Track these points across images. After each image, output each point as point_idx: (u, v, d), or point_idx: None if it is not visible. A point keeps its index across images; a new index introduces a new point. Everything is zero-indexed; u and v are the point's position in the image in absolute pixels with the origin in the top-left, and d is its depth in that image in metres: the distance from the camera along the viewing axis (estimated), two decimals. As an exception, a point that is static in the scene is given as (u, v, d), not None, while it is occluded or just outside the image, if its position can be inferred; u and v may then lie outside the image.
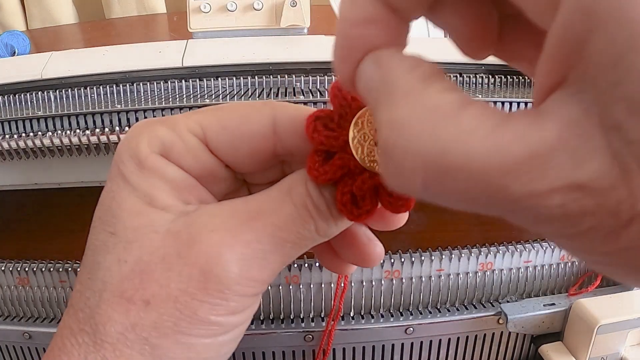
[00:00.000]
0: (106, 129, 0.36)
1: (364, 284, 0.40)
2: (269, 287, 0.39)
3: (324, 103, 0.40)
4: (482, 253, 0.42)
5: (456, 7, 0.14)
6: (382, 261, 0.40)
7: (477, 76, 0.48)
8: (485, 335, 0.42)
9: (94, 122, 0.37)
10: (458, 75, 0.48)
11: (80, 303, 0.18)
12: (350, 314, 0.41)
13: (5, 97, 0.44)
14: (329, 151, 0.19)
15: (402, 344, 0.41)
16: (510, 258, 0.43)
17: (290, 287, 0.40)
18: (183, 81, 0.46)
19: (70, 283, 0.40)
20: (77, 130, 0.36)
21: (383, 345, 0.41)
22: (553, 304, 0.41)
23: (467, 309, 0.42)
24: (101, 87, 0.45)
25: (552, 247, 0.44)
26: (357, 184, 0.18)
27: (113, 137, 0.36)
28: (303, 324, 0.40)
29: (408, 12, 0.14)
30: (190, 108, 0.37)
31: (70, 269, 0.40)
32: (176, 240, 0.18)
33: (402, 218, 0.21)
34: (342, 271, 0.24)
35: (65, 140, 0.36)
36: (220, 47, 0.47)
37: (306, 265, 0.39)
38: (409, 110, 0.12)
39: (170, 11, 0.91)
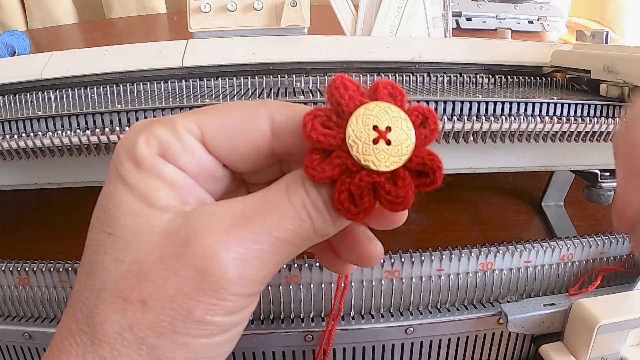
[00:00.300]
0: (106, 129, 0.36)
1: (364, 284, 0.40)
2: (269, 287, 0.39)
3: (324, 103, 0.40)
4: (482, 253, 0.42)
5: None
6: (382, 261, 0.40)
7: (477, 76, 0.48)
8: (485, 335, 0.42)
9: (94, 122, 0.37)
10: (458, 75, 0.48)
11: (78, 303, 0.18)
12: (350, 314, 0.41)
13: (5, 97, 0.44)
14: (327, 150, 0.19)
15: (402, 344, 0.41)
16: (510, 258, 0.43)
17: (290, 287, 0.40)
18: (183, 81, 0.46)
19: (70, 283, 0.40)
20: (77, 130, 0.36)
21: (383, 345, 0.41)
22: (553, 304, 0.41)
23: (467, 309, 0.41)
24: (101, 87, 0.45)
25: (552, 247, 0.44)
26: (355, 183, 0.18)
27: (113, 137, 0.36)
28: (303, 324, 0.40)
29: None
30: (190, 108, 0.36)
31: (70, 269, 0.40)
32: (173, 240, 0.18)
33: (402, 217, 0.21)
34: (342, 271, 0.24)
35: (65, 140, 0.36)
36: (220, 47, 0.47)
37: (306, 265, 0.39)
38: None
39: (170, 11, 0.91)
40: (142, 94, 0.44)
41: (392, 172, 0.18)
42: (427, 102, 0.38)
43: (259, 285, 0.19)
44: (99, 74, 0.45)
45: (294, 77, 0.46)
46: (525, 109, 0.40)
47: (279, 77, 0.46)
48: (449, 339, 0.41)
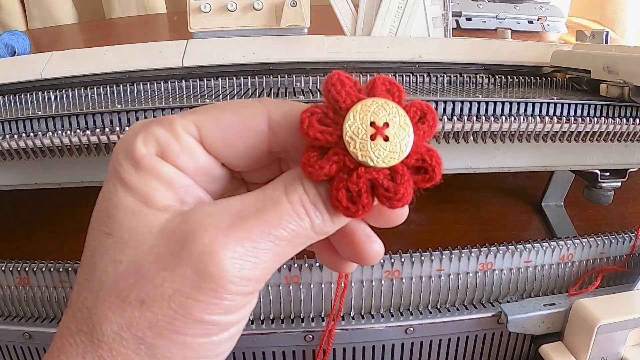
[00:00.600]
0: (106, 129, 0.36)
1: (364, 284, 0.40)
2: (269, 287, 0.39)
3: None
4: (482, 253, 0.42)
5: None
6: (382, 261, 0.40)
7: (477, 76, 0.48)
8: (485, 335, 0.42)
9: (94, 122, 0.37)
10: (458, 75, 0.48)
11: (77, 303, 0.18)
12: (350, 314, 0.41)
13: (5, 97, 0.44)
14: (324, 147, 0.18)
15: (402, 344, 0.41)
16: (510, 258, 0.43)
17: (290, 287, 0.40)
18: (183, 81, 0.46)
19: (70, 283, 0.40)
20: (77, 130, 0.36)
21: (383, 345, 0.41)
22: (553, 304, 0.41)
23: (467, 309, 0.41)
24: (101, 87, 0.45)
25: (552, 247, 0.44)
26: (352, 180, 0.18)
27: (113, 137, 0.36)
28: (303, 324, 0.40)
29: None
30: (190, 108, 0.36)
31: (70, 269, 0.40)
32: (170, 240, 0.18)
33: (403, 214, 0.21)
34: (342, 269, 0.24)
35: (65, 140, 0.36)
36: (220, 47, 0.47)
37: (306, 265, 0.39)
38: None
39: (170, 11, 0.91)
40: (142, 94, 0.44)
41: (390, 168, 0.18)
42: (427, 102, 0.38)
43: (258, 283, 0.19)
44: (99, 74, 0.45)
45: (294, 77, 0.46)
46: (525, 109, 0.40)
47: (279, 77, 0.46)
48: (449, 339, 0.41)
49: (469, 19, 0.78)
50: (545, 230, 0.59)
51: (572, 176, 0.58)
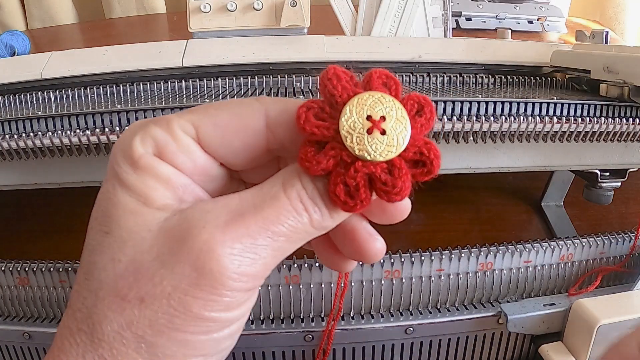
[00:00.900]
0: (106, 129, 0.36)
1: (364, 284, 0.40)
2: (269, 287, 0.39)
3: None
4: (482, 253, 0.42)
5: None
6: (382, 261, 0.40)
7: (477, 76, 0.48)
8: (485, 335, 0.42)
9: (94, 122, 0.37)
10: (458, 75, 0.48)
11: (77, 303, 0.18)
12: (350, 314, 0.41)
13: (5, 97, 0.44)
14: (321, 142, 0.18)
15: (402, 344, 0.41)
16: (510, 258, 0.43)
17: (290, 287, 0.40)
18: (183, 81, 0.46)
19: (70, 283, 0.40)
20: (77, 130, 0.36)
21: (383, 345, 0.41)
22: (553, 304, 0.41)
23: (467, 309, 0.41)
24: (101, 87, 0.45)
25: (552, 247, 0.44)
26: (350, 174, 0.18)
27: (113, 137, 0.36)
28: (303, 324, 0.40)
29: None
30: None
31: (70, 269, 0.40)
32: (169, 238, 0.18)
33: (404, 210, 0.21)
34: (343, 268, 0.24)
35: (65, 140, 0.36)
36: (220, 47, 0.47)
37: (306, 265, 0.39)
38: None
39: (170, 11, 0.91)
40: (142, 94, 0.44)
41: (387, 162, 0.18)
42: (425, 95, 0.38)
43: (257, 280, 0.19)
44: (98, 74, 0.45)
45: (293, 77, 0.46)
46: (525, 109, 0.40)
47: (278, 77, 0.46)
48: (449, 339, 0.41)
49: (468, 19, 0.78)
50: (545, 230, 0.59)
51: (572, 176, 0.58)
